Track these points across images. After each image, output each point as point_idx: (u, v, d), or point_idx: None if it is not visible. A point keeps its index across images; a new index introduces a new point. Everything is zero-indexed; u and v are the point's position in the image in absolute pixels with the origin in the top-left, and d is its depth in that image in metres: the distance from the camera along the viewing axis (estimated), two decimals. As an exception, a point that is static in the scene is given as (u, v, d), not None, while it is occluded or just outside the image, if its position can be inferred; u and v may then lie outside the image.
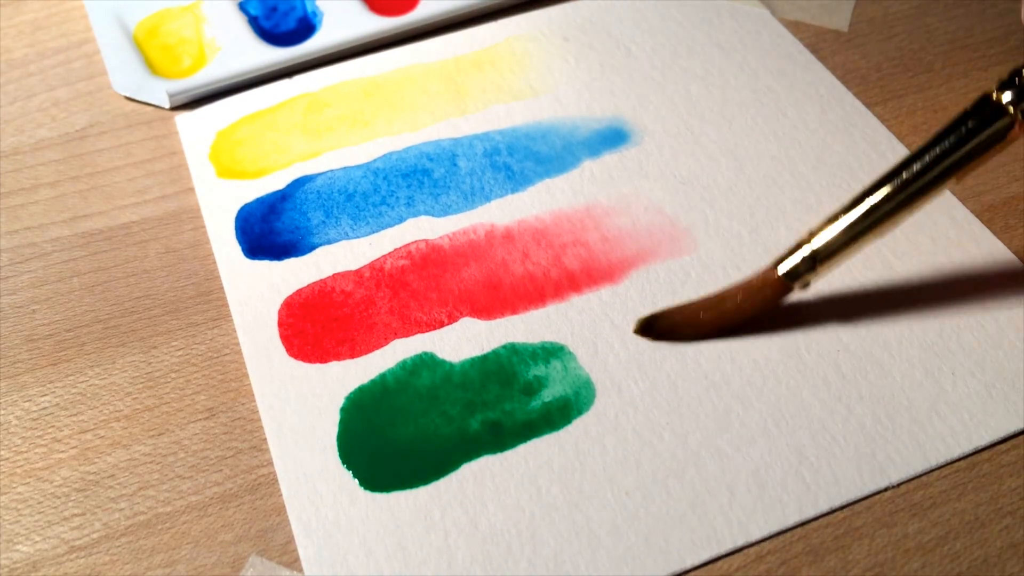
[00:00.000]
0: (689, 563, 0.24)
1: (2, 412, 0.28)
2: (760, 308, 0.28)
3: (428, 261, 0.31)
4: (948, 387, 0.28)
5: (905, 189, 0.26)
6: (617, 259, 0.31)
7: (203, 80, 0.37)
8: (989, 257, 0.31)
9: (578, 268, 0.31)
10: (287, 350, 0.29)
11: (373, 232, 0.32)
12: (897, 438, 0.26)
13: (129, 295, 0.31)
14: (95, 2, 0.40)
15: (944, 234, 0.31)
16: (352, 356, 0.29)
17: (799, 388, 0.28)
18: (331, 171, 0.34)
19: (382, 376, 0.28)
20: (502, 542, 0.25)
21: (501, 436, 0.27)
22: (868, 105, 0.36)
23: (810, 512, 0.25)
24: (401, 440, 0.27)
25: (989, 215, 0.32)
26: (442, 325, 0.29)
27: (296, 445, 0.27)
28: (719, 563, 0.25)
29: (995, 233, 0.31)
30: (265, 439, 0.27)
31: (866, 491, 0.26)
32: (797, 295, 0.28)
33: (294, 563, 0.25)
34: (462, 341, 0.29)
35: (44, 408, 0.28)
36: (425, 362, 0.28)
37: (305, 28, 0.39)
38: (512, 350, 0.29)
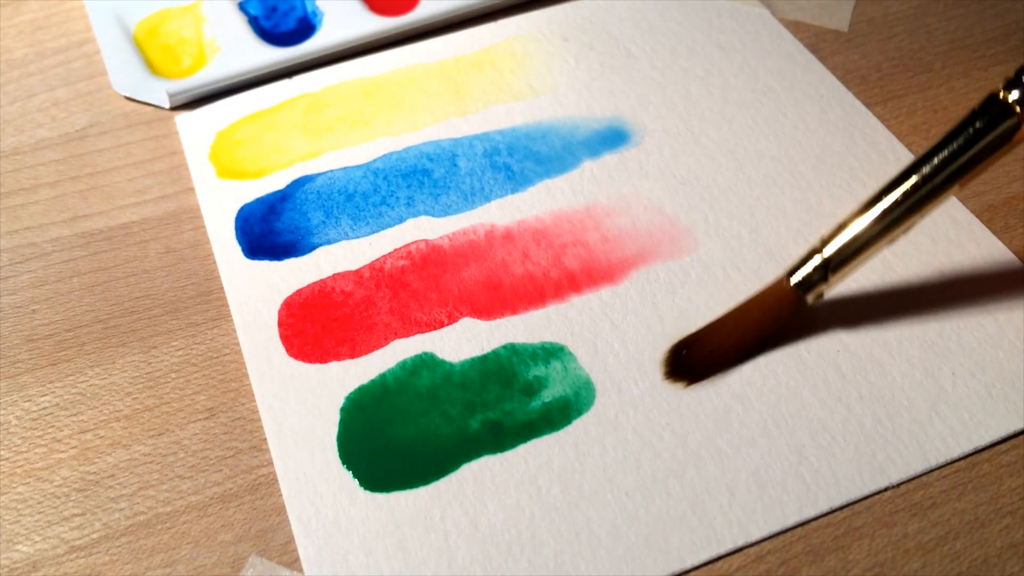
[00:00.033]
0: (689, 563, 0.24)
1: (2, 412, 0.28)
2: (779, 323, 0.28)
3: (428, 261, 0.31)
4: (948, 387, 0.28)
5: (916, 193, 0.26)
6: (617, 259, 0.31)
7: (203, 80, 0.37)
8: (989, 257, 0.31)
9: (578, 268, 0.31)
10: (287, 350, 0.29)
11: (373, 232, 0.32)
12: (897, 438, 0.26)
13: (129, 295, 0.31)
14: (95, 2, 0.40)
15: (944, 234, 0.31)
16: (352, 356, 0.29)
17: (799, 388, 0.28)
18: (331, 171, 0.34)
19: (382, 376, 0.28)
20: (502, 542, 0.25)
21: (501, 436, 0.27)
22: (868, 105, 0.36)
23: (810, 512, 0.25)
24: (401, 440, 0.27)
25: (989, 215, 0.32)
26: (442, 325, 0.29)
27: (296, 445, 0.27)
28: (719, 563, 0.25)
29: (995, 233, 0.31)
30: (265, 439, 0.27)
31: (866, 491, 0.26)
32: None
33: (294, 563, 0.25)
34: (462, 341, 0.29)
35: (44, 408, 0.28)
36: (425, 362, 0.28)
37: (305, 28, 0.39)
38: (512, 350, 0.29)
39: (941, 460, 0.26)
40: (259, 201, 0.33)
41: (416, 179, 0.33)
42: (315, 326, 0.29)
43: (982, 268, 0.30)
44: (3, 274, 0.31)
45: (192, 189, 0.34)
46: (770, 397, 0.27)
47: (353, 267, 0.31)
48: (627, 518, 0.25)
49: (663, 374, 0.28)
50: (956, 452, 0.26)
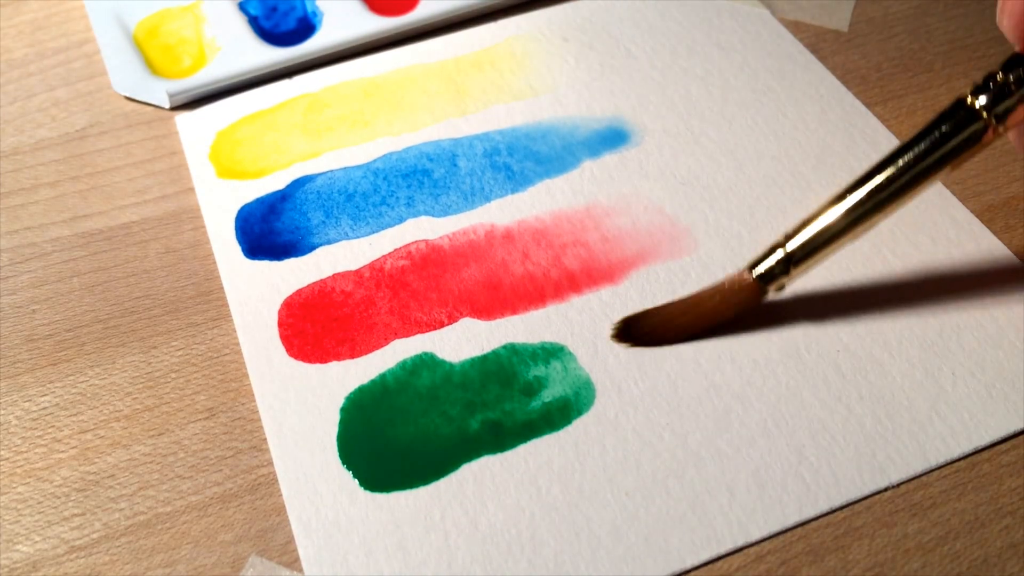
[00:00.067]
0: (689, 563, 0.24)
1: (2, 412, 0.28)
2: (737, 310, 0.28)
3: (428, 261, 0.31)
4: (948, 387, 0.27)
5: (880, 192, 0.26)
6: (617, 259, 0.31)
7: (203, 80, 0.37)
8: (989, 257, 0.31)
9: (578, 268, 0.31)
10: (287, 350, 0.29)
11: (373, 232, 0.32)
12: (897, 438, 0.26)
13: (129, 295, 0.31)
14: (95, 2, 0.40)
15: (944, 234, 0.31)
16: (352, 356, 0.29)
17: (799, 388, 0.28)
18: (331, 171, 0.34)
19: (382, 376, 0.28)
20: (502, 542, 0.25)
21: (501, 436, 0.27)
22: (868, 105, 0.36)
23: (810, 512, 0.25)
24: (401, 440, 0.27)
25: (989, 215, 0.32)
26: (442, 325, 0.29)
27: (296, 445, 0.27)
28: (719, 563, 0.25)
29: (995, 233, 0.31)
30: (265, 439, 0.27)
31: (866, 491, 0.26)
32: (785, 294, 0.29)
33: (294, 563, 0.25)
34: (462, 341, 0.29)
35: (44, 408, 0.28)
36: (425, 362, 0.28)
37: (305, 28, 0.39)
38: (512, 350, 0.29)
39: (941, 460, 0.26)
40: (259, 201, 0.33)
41: (416, 179, 0.33)
42: (315, 326, 0.29)
43: (982, 268, 0.30)
44: (3, 274, 0.31)
45: (192, 189, 0.34)
46: (770, 397, 0.27)
47: (353, 267, 0.31)
48: (627, 518, 0.25)
49: (609, 336, 0.29)
50: (956, 452, 0.26)
